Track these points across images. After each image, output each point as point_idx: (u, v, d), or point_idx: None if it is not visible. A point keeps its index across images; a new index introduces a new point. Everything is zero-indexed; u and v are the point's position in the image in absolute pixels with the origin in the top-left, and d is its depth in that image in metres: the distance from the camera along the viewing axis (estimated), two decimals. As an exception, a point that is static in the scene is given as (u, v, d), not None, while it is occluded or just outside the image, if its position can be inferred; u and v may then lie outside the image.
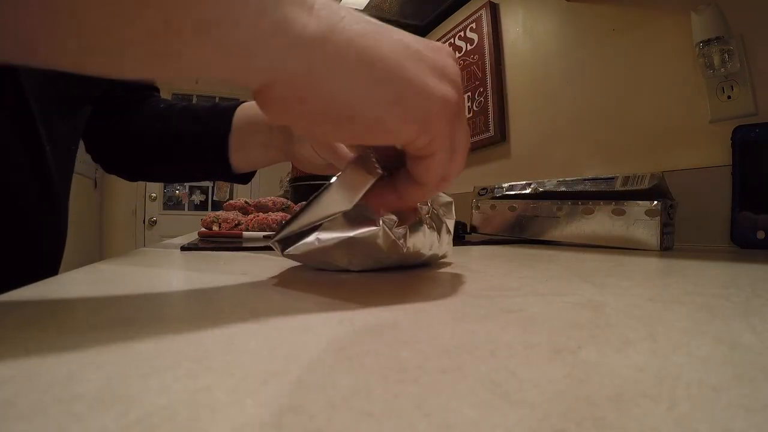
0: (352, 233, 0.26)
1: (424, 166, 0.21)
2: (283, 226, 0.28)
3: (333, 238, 0.27)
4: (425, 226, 0.30)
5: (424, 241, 0.30)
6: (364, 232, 0.26)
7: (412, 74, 0.19)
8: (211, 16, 0.15)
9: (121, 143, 0.47)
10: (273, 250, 0.48)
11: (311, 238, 0.27)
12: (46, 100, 0.34)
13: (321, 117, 0.19)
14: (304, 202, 0.30)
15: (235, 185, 3.24)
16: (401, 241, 0.28)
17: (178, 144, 0.46)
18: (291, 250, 0.28)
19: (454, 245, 0.54)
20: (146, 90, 0.50)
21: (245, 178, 0.50)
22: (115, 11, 0.13)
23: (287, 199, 0.82)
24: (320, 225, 0.27)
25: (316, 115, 0.19)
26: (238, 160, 0.46)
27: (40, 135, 0.33)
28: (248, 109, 0.45)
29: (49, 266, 0.38)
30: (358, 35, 0.18)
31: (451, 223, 0.34)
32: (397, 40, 0.19)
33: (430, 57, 0.20)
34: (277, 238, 0.28)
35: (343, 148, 0.38)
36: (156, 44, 0.15)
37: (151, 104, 0.49)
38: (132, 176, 0.50)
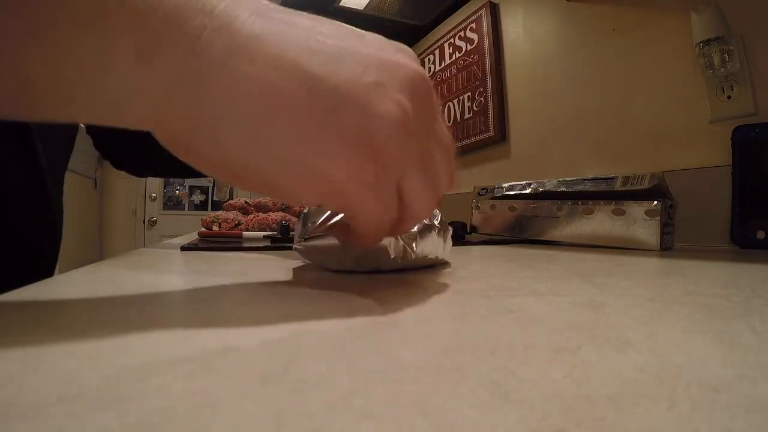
0: None
1: (353, 223, 0.19)
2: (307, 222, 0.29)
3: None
4: (434, 233, 0.30)
5: (432, 246, 0.30)
6: None
7: (308, 133, 0.15)
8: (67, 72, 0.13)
9: (128, 138, 0.47)
10: (273, 250, 0.48)
11: (324, 238, 0.27)
12: None
13: (209, 167, 0.16)
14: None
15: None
16: (410, 246, 0.28)
17: None
18: (299, 244, 0.29)
19: (453, 245, 0.54)
20: None
21: None
22: None
23: (287, 199, 0.82)
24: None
25: (203, 164, 0.16)
26: None
27: (31, 129, 0.33)
28: None
29: (43, 266, 0.37)
30: (251, 76, 0.14)
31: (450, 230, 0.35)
32: (307, 78, 0.15)
33: (350, 100, 0.15)
34: (307, 236, 0.28)
35: None
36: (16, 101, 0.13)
37: None
38: (140, 171, 0.50)
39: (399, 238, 0.27)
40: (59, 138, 0.39)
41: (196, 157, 0.16)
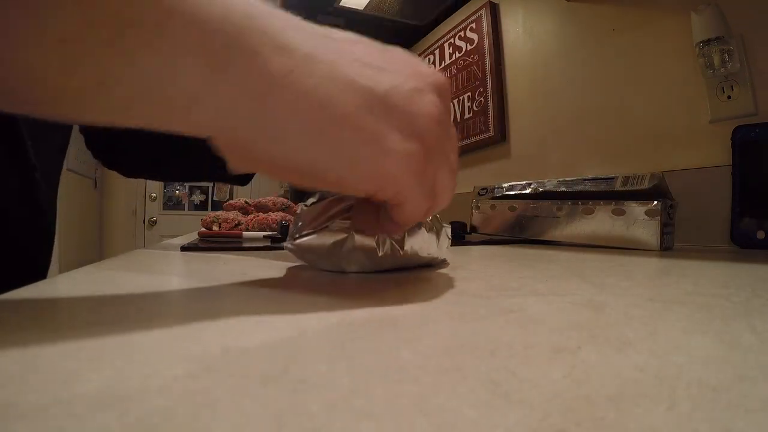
0: (350, 233, 0.27)
1: (396, 212, 0.21)
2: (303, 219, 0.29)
3: (332, 237, 0.27)
4: (424, 229, 0.30)
5: (422, 244, 0.30)
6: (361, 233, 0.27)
7: (368, 134, 0.17)
8: (149, 66, 0.14)
9: (119, 141, 0.47)
10: (273, 250, 0.48)
11: (313, 235, 0.27)
12: None
13: (273, 169, 0.18)
14: (302, 204, 0.31)
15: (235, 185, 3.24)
16: (398, 244, 0.28)
17: (176, 143, 0.46)
18: (290, 243, 0.29)
19: (453, 245, 0.54)
20: None
21: (244, 179, 0.49)
22: (57, 65, 0.13)
23: (287, 199, 0.82)
24: (326, 226, 0.27)
25: (266, 167, 0.18)
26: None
27: (20, 130, 0.32)
28: None
29: (36, 268, 0.37)
30: (312, 88, 0.16)
31: (448, 230, 0.35)
32: (360, 88, 0.17)
33: (397, 104, 0.18)
34: (297, 235, 0.29)
35: None
36: (91, 97, 0.14)
37: None
38: (129, 173, 0.50)
39: (388, 236, 0.27)
40: (51, 138, 0.38)
41: (257, 162, 0.18)
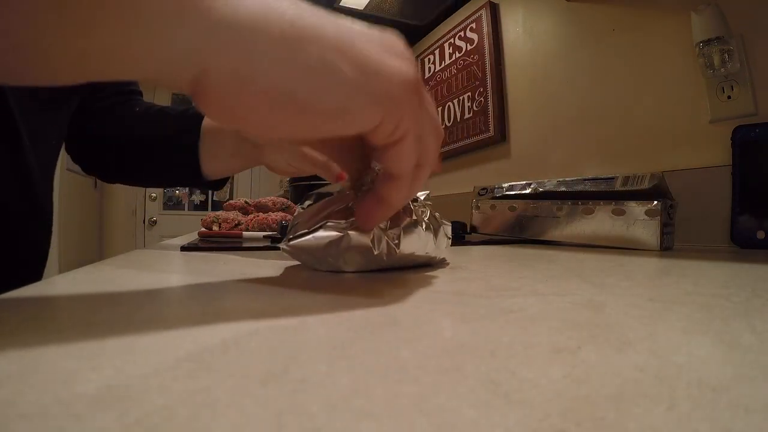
0: (345, 232, 0.27)
1: (395, 155, 0.21)
2: (297, 225, 0.29)
3: (327, 236, 0.27)
4: (420, 228, 0.30)
5: (419, 243, 0.30)
6: (356, 232, 0.27)
7: (367, 52, 0.18)
8: None
9: (97, 147, 0.47)
10: (272, 250, 0.48)
11: (308, 236, 0.27)
12: (25, 92, 0.33)
13: (267, 113, 0.17)
14: (299, 206, 0.31)
15: (235, 185, 3.24)
16: (394, 242, 0.28)
17: (149, 151, 0.46)
18: (285, 244, 0.29)
19: (453, 245, 0.54)
20: (128, 94, 0.49)
21: (218, 184, 0.49)
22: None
23: (287, 199, 0.82)
24: (321, 225, 0.27)
25: (261, 111, 0.17)
26: (209, 168, 0.45)
27: (19, 129, 0.33)
28: None
29: (36, 261, 0.37)
30: (301, 15, 0.17)
31: (448, 229, 0.34)
32: (337, 20, 0.18)
33: (377, 35, 0.19)
34: (291, 236, 0.29)
35: (312, 152, 0.38)
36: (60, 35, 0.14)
37: (128, 109, 0.48)
38: (108, 178, 0.50)
39: (384, 234, 0.27)
40: (47, 130, 0.39)
41: (246, 105, 0.17)
